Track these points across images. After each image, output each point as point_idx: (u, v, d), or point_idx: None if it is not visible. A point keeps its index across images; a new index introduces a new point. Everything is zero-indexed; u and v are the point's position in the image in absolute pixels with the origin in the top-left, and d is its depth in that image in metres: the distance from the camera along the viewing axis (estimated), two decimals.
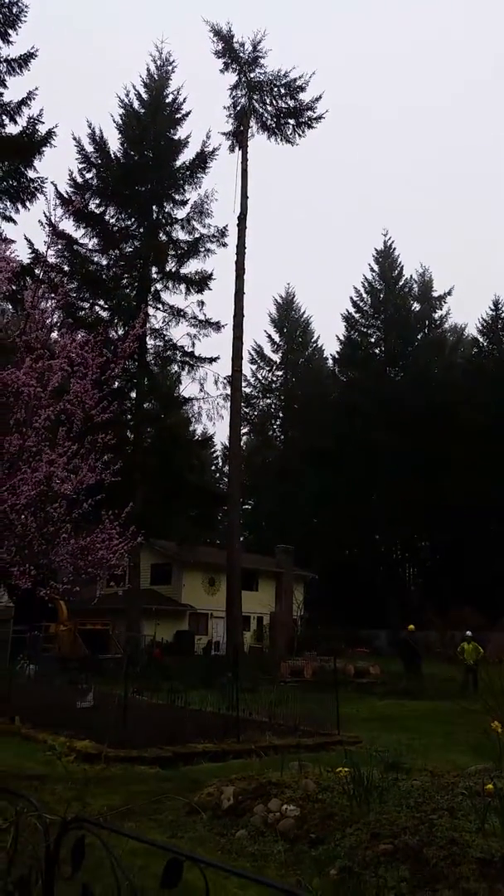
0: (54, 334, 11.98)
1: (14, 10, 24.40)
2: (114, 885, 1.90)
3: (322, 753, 9.53)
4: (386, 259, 55.50)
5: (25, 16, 24.43)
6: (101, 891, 2.06)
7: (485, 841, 5.12)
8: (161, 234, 32.75)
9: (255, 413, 59.70)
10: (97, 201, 31.41)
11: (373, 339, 55.22)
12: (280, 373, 61.81)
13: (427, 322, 57.84)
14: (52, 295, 11.51)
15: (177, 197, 32.86)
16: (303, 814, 6.09)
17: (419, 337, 55.96)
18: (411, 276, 58.26)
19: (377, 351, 54.76)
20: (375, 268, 55.52)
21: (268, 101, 34.00)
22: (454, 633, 22.35)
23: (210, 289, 32.10)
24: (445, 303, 58.05)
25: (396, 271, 55.68)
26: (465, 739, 10.54)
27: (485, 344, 52.73)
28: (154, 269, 32.04)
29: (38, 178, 24.80)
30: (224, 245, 32.43)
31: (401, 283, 55.95)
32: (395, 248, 55.87)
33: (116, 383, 20.65)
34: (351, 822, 5.77)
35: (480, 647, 20.00)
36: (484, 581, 41.95)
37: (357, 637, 39.95)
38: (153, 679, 17.52)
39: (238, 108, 33.79)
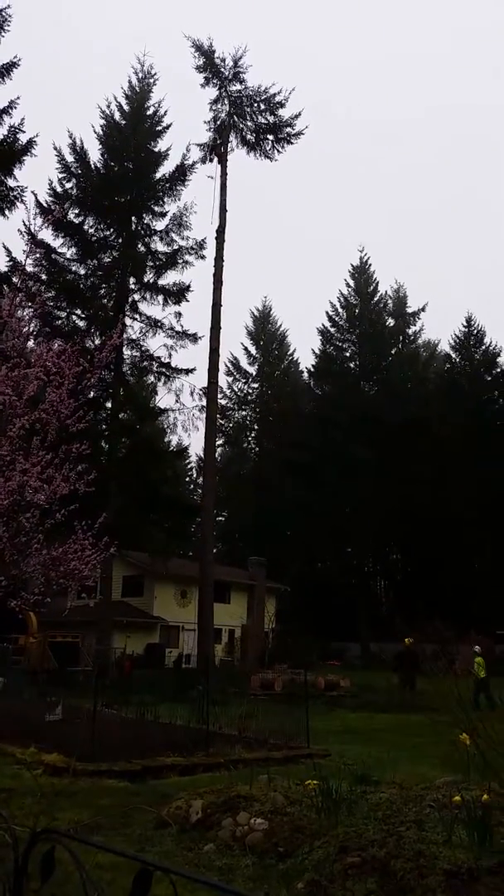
0: (31, 343, 11.95)
1: None
2: None
3: (291, 766, 9.53)
4: (362, 275, 56.12)
5: (9, 25, 24.45)
6: None
7: (452, 853, 5.17)
8: (140, 245, 32.81)
9: (231, 425, 59.80)
10: (76, 211, 31.40)
11: (348, 353, 55.72)
12: (256, 385, 62.06)
13: (401, 337, 58.58)
14: (30, 304, 11.48)
15: (156, 209, 32.97)
16: (271, 827, 6.10)
17: (393, 352, 56.60)
18: (386, 291, 59.11)
19: (352, 365, 55.26)
20: (351, 283, 56.12)
21: (248, 116, 34.35)
22: (461, 648, 22.45)
23: (188, 300, 32.22)
24: (419, 318, 58.98)
25: (372, 287, 56.33)
26: (434, 752, 10.62)
27: (457, 360, 53.54)
28: (132, 280, 32.05)
29: (18, 186, 24.77)
30: (202, 257, 32.60)
31: (376, 299, 56.61)
32: (370, 265, 56.59)
33: (92, 393, 20.62)
34: (319, 835, 5.79)
35: (451, 660, 20.21)
36: (455, 594, 42.34)
37: (328, 649, 40.04)
38: (123, 692, 17.35)
39: (218, 122, 34.08)
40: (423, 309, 58.49)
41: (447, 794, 6.40)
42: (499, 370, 51.16)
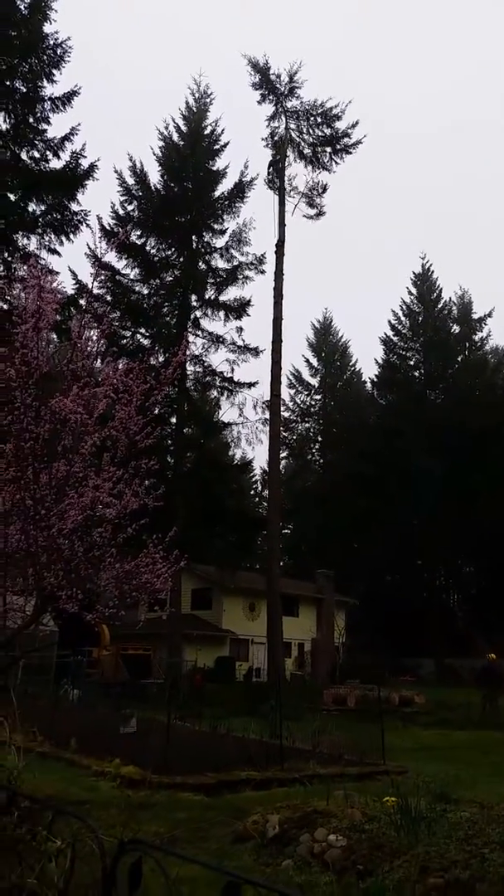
0: (98, 363, 12.23)
1: (58, 52, 25.27)
2: None
3: (367, 783, 9.36)
4: (424, 282, 55.40)
5: (69, 55, 25.33)
6: None
7: None
8: (200, 263, 33.31)
9: (294, 437, 59.70)
10: (138, 232, 32.18)
11: (412, 362, 54.95)
12: (318, 397, 61.84)
13: (467, 344, 57.35)
14: (97, 324, 11.76)
15: (215, 226, 33.46)
16: (349, 844, 5.98)
17: (459, 359, 55.48)
18: (450, 298, 58.09)
19: (416, 374, 54.45)
20: (413, 291, 55.44)
21: (304, 130, 34.51)
22: None
23: (248, 315, 32.52)
24: (486, 324, 57.58)
25: (435, 294, 55.50)
26: None
27: None
28: (194, 297, 32.55)
29: (81, 210, 25.45)
30: (262, 272, 32.86)
31: (440, 306, 55.72)
32: (433, 271, 55.85)
33: (158, 409, 20.96)
34: (399, 853, 5.65)
35: None
36: None
37: (400, 665, 39.22)
38: (195, 705, 17.44)
39: (276, 137, 34.36)
40: (489, 314, 57.18)
41: None
42: None
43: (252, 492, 62.50)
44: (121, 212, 31.79)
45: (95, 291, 27.44)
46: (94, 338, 11.66)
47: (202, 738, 13.42)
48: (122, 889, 2.11)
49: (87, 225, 25.63)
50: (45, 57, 25.29)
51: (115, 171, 31.72)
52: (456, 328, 57.12)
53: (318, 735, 12.60)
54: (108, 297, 30.08)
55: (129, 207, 32.12)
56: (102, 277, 29.49)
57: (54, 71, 25.41)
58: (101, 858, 2.21)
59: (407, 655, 42.96)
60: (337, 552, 49.18)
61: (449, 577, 56.34)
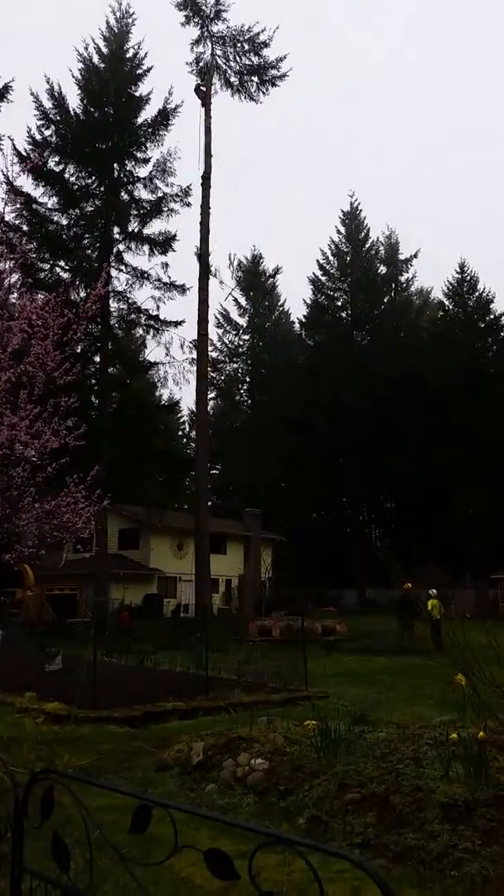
0: (13, 296, 11.67)
1: None
2: (84, 838, 1.89)
3: (290, 708, 9.69)
4: (352, 221, 55.05)
5: None
6: (73, 844, 2.05)
7: (449, 787, 5.27)
8: (123, 193, 31.99)
9: (222, 378, 59.37)
10: (56, 159, 30.52)
11: (339, 303, 55.04)
12: (247, 337, 61.38)
13: (394, 285, 57.83)
14: (11, 255, 11.17)
15: (139, 155, 32.07)
16: (272, 767, 6.19)
17: (386, 300, 55.94)
18: (377, 238, 58.09)
19: (344, 315, 54.63)
20: (342, 230, 55.08)
21: (231, 56, 33.19)
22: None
23: (174, 250, 31.60)
24: (412, 265, 58.07)
25: (363, 233, 55.32)
26: (430, 693, 10.83)
27: (450, 307, 52.89)
28: (116, 230, 31.35)
29: None
30: (188, 205, 31.86)
31: (367, 245, 55.65)
32: (360, 210, 55.48)
33: (80, 347, 20.31)
34: (318, 773, 5.89)
35: (442, 604, 20.50)
36: (449, 541, 42.84)
37: (324, 597, 40.61)
38: (122, 642, 17.58)
39: (201, 63, 32.93)
40: (415, 255, 57.66)
41: (444, 733, 6.51)
42: (492, 317, 50.62)
43: (180, 432, 62.21)
44: (38, 136, 29.97)
45: (9, 219, 25.94)
46: (8, 269, 11.10)
47: (129, 673, 13.57)
48: (34, 820, 2.08)
49: (1, 149, 24.12)
50: None
51: (32, 94, 29.71)
52: (383, 269, 57.36)
53: (243, 665, 12.94)
54: (24, 227, 28.54)
55: (47, 132, 30.33)
56: (17, 205, 27.87)
57: None
58: (13, 790, 2.16)
59: (331, 587, 44.55)
60: (265, 491, 49.87)
61: (372, 513, 58.21)
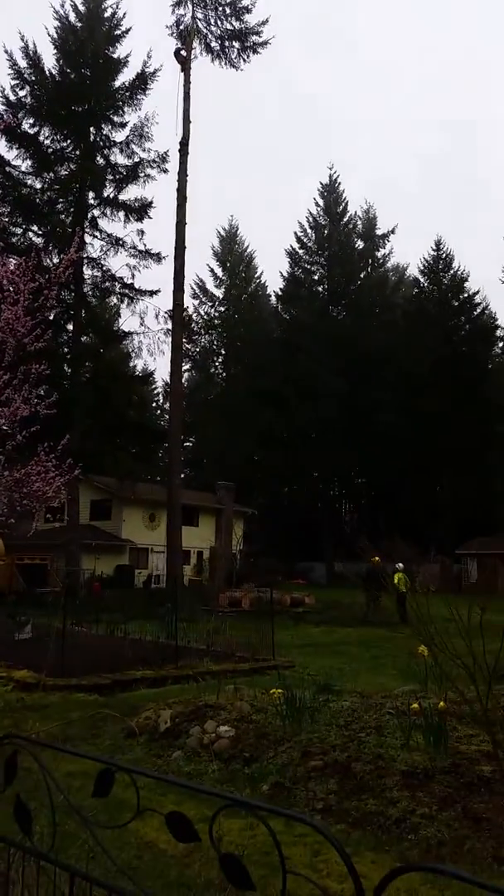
0: None
1: None
2: (48, 803, 1.91)
3: (257, 677, 9.84)
4: (331, 194, 54.58)
5: None
6: (38, 809, 2.08)
7: (409, 755, 5.43)
8: (99, 158, 31.34)
9: (197, 349, 58.96)
10: (31, 121, 29.76)
11: (316, 277, 54.75)
12: (223, 308, 60.89)
13: (370, 260, 57.64)
14: None
15: (115, 119, 31.37)
16: (237, 734, 6.31)
17: (362, 276, 55.78)
18: (356, 212, 57.74)
19: (320, 289, 54.40)
20: (320, 202, 54.61)
21: (212, 20, 32.42)
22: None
23: (150, 217, 31.14)
24: (389, 241, 57.89)
25: (341, 207, 54.92)
26: (393, 663, 11.06)
27: (425, 284, 52.98)
28: (91, 195, 30.74)
29: None
30: (165, 171, 31.33)
31: (345, 220, 55.31)
32: (339, 183, 55.00)
33: (52, 314, 20.00)
34: (283, 741, 6.02)
35: (408, 578, 20.81)
36: (417, 517, 43.44)
37: (294, 569, 41.08)
38: (92, 611, 17.62)
39: (181, 26, 32.09)
40: (392, 231, 57.46)
41: (406, 703, 6.68)
42: (466, 295, 50.85)
43: (154, 404, 61.82)
44: (11, 97, 29.17)
45: None
46: None
47: (99, 642, 13.63)
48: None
49: None
50: None
51: (6, 52, 28.82)
52: (360, 244, 57.10)
53: (212, 635, 13.07)
54: None
55: (21, 93, 29.50)
56: None
57: None
58: None
59: (300, 560, 45.02)
60: (238, 464, 49.95)
61: (342, 488, 58.71)
